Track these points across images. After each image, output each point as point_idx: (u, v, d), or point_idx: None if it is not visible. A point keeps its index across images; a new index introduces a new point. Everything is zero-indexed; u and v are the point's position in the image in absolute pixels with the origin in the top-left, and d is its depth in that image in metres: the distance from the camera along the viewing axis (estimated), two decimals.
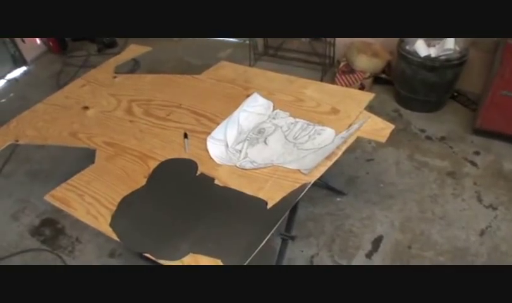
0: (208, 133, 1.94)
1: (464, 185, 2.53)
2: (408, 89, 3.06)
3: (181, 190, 1.73)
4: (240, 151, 1.87)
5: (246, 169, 1.77)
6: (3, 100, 3.71)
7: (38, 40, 4.26)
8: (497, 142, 2.78)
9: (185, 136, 1.97)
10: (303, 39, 3.59)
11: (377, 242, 2.27)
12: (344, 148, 1.79)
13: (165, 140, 1.98)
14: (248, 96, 2.14)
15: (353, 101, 2.07)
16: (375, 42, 3.25)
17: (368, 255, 2.21)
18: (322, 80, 3.39)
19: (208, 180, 1.73)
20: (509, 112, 2.62)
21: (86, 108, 2.30)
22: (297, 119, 2.01)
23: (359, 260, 2.19)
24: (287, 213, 1.65)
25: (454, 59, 2.80)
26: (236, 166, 1.79)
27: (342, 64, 3.32)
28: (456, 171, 2.62)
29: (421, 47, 2.82)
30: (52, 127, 2.21)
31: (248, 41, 3.77)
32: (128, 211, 1.66)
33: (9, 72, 4.04)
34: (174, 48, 4.12)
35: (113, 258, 2.31)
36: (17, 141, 2.19)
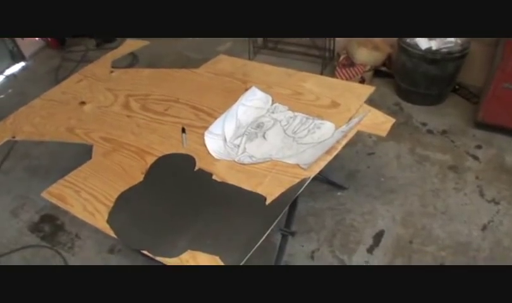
0: (207, 128, 1.92)
1: (466, 179, 2.51)
2: (408, 83, 3.03)
3: (178, 186, 1.71)
4: (238, 146, 1.85)
5: (244, 164, 1.75)
6: (1, 96, 3.69)
7: None
8: (499, 135, 2.76)
9: (183, 130, 1.95)
10: None
11: (378, 237, 2.25)
12: (344, 142, 1.77)
13: (162, 135, 1.96)
14: (246, 90, 2.12)
15: (353, 95, 2.04)
16: None
17: (369, 250, 2.19)
18: (322, 73, 3.36)
19: (206, 176, 1.71)
20: (511, 105, 2.59)
21: (83, 103, 2.28)
22: (296, 113, 1.98)
23: (360, 255, 2.17)
24: (286, 209, 1.63)
25: (456, 52, 2.77)
26: (234, 161, 1.77)
27: (342, 57, 3.29)
28: (458, 165, 2.60)
29: (422, 40, 2.79)
30: (49, 122, 2.19)
31: None
32: (125, 207, 1.64)
33: (7, 67, 4.02)
34: (173, 43, 4.08)
35: (112, 254, 2.30)
36: (14, 137, 2.17)
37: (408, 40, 2.85)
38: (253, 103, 2.06)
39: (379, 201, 2.42)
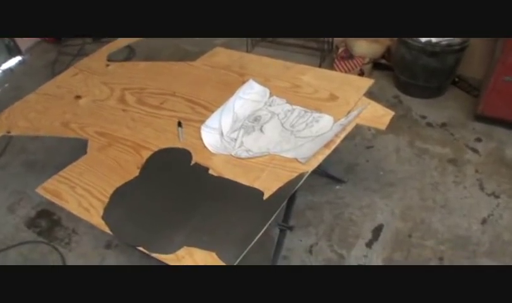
0: (203, 121, 1.89)
1: (465, 172, 2.49)
2: (408, 75, 3.00)
3: (174, 181, 1.69)
4: (235, 140, 1.82)
5: (241, 158, 1.72)
6: None
7: None
8: (499, 128, 2.74)
9: (179, 124, 1.92)
10: None
11: (377, 231, 2.23)
12: (342, 135, 1.75)
13: (158, 129, 1.93)
14: (243, 83, 2.09)
15: (352, 88, 2.01)
16: None
17: (368, 244, 2.18)
18: (320, 66, 3.33)
19: (202, 170, 1.69)
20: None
21: (78, 97, 2.25)
22: (294, 106, 1.96)
23: (359, 249, 2.16)
24: (284, 203, 1.61)
25: (456, 44, 2.75)
26: (231, 155, 1.74)
27: (341, 50, 3.26)
28: (458, 158, 2.58)
29: None
30: (44, 117, 2.16)
31: None
32: (120, 202, 1.61)
33: (3, 62, 3.98)
34: None
35: (109, 249, 2.29)
36: (9, 132, 2.15)
37: None
38: (250, 96, 2.03)
39: (378, 195, 2.41)
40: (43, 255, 2.30)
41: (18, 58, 4.05)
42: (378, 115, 1.86)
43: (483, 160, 2.56)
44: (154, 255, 1.42)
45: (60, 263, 2.24)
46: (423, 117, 2.90)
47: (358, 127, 1.85)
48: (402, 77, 3.06)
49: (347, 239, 2.21)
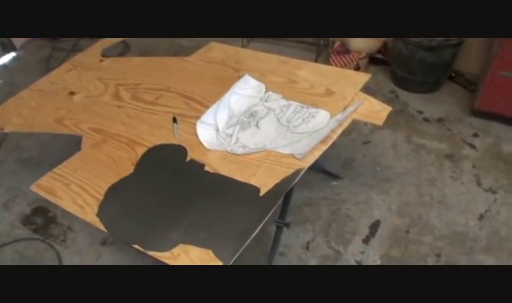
0: (198, 117, 1.87)
1: (462, 168, 2.48)
2: (404, 70, 2.99)
3: (170, 178, 1.67)
4: (231, 136, 1.81)
5: (237, 154, 1.71)
6: None
7: None
8: (496, 124, 2.73)
9: (174, 120, 1.91)
10: None
11: (374, 227, 2.22)
12: (339, 131, 1.73)
13: (153, 125, 1.92)
14: (239, 78, 2.07)
15: (349, 83, 2.00)
16: None
17: (365, 240, 2.17)
18: (316, 61, 3.31)
19: (198, 167, 1.67)
20: (509, 93, 2.56)
21: (72, 93, 2.23)
22: (290, 101, 1.94)
23: (356, 245, 2.15)
24: (281, 200, 1.60)
25: (452, 39, 2.73)
26: (227, 151, 1.73)
27: (337, 44, 3.24)
28: (455, 154, 2.57)
29: None
30: (37, 114, 2.14)
31: None
32: (115, 200, 1.60)
33: None
34: None
35: (105, 246, 2.27)
36: (2, 129, 2.13)
37: None
38: (246, 91, 2.01)
39: (375, 191, 2.40)
40: (38, 252, 2.28)
41: (12, 54, 4.02)
42: (375, 111, 1.85)
43: (480, 155, 2.55)
44: (150, 253, 1.40)
45: (56, 260, 2.23)
46: (420, 112, 2.89)
47: (354, 122, 1.84)
48: (399, 72, 3.04)
49: (344, 235, 2.20)
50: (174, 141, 1.81)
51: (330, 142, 1.69)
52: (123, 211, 1.56)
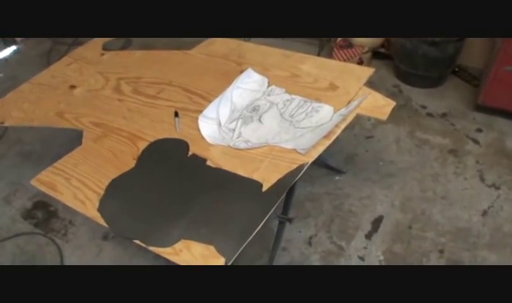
0: (201, 111, 1.86)
1: (466, 163, 2.47)
2: (408, 64, 2.97)
3: (171, 172, 1.66)
4: (233, 130, 1.79)
5: (240, 149, 1.69)
6: None
7: None
8: (499, 119, 2.71)
9: (176, 114, 1.89)
10: None
11: (377, 222, 2.21)
12: (343, 126, 1.71)
13: (155, 119, 1.90)
14: (241, 72, 2.05)
15: (352, 77, 1.98)
16: None
17: (368, 236, 2.16)
18: (319, 55, 3.28)
19: (200, 162, 1.66)
20: None
21: (73, 87, 2.22)
22: (293, 96, 1.92)
23: (358, 241, 2.14)
24: (283, 195, 1.58)
25: None
26: (229, 146, 1.71)
27: (339, 38, 3.22)
28: (458, 149, 2.55)
29: None
30: (38, 107, 2.12)
31: None
32: (116, 194, 1.59)
33: None
34: None
35: (106, 240, 2.26)
36: (2, 123, 2.12)
37: None
38: (248, 85, 2.00)
39: (378, 186, 2.38)
40: (39, 246, 2.28)
41: (13, 47, 3.99)
42: (379, 105, 1.83)
43: (484, 150, 2.54)
44: (151, 248, 1.39)
45: (57, 255, 2.22)
46: (424, 107, 2.87)
47: (357, 117, 1.82)
48: (402, 66, 3.02)
49: (346, 230, 2.19)
50: (176, 136, 1.79)
51: (333, 137, 1.67)
52: (124, 206, 1.55)
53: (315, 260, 2.08)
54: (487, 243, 2.08)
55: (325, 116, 1.79)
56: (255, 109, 1.89)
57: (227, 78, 2.03)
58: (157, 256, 1.41)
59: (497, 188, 2.32)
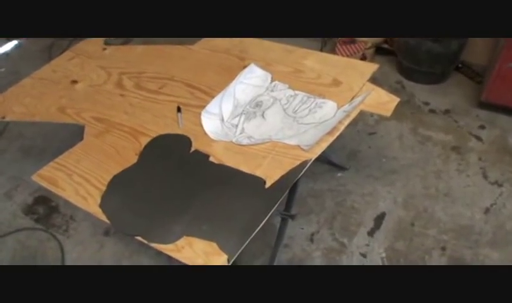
0: (203, 107, 1.85)
1: (469, 160, 2.45)
2: (411, 60, 2.95)
3: (174, 168, 1.65)
4: (236, 126, 1.78)
5: (242, 145, 1.68)
6: None
7: None
8: (502, 116, 2.69)
9: (178, 110, 1.88)
10: None
11: (379, 219, 2.20)
12: (347, 122, 1.70)
13: (157, 115, 1.89)
14: (244, 67, 2.04)
15: (356, 73, 1.96)
16: None
17: (370, 233, 2.15)
18: (321, 50, 3.26)
19: (202, 157, 1.65)
20: None
21: (74, 82, 2.20)
22: (296, 91, 1.91)
23: (361, 238, 2.13)
24: (286, 192, 1.57)
25: None
26: (232, 142, 1.70)
27: None
28: (461, 146, 2.54)
29: None
30: (39, 102, 2.11)
31: None
32: (118, 190, 1.58)
33: None
34: None
35: (108, 236, 2.26)
36: (4, 118, 2.11)
37: None
38: (251, 81, 1.98)
39: (380, 182, 2.37)
40: (40, 242, 2.27)
41: (14, 42, 3.98)
42: (383, 102, 1.82)
43: (487, 147, 2.52)
44: (153, 245, 1.39)
45: (58, 250, 2.22)
46: (427, 104, 2.86)
47: (360, 113, 1.81)
48: (405, 62, 3.00)
49: (349, 227, 2.18)
50: (179, 131, 1.78)
51: (337, 134, 1.66)
52: (126, 202, 1.55)
53: (317, 257, 2.08)
54: (490, 240, 2.07)
55: (328, 112, 1.78)
56: (258, 105, 1.88)
57: (230, 73, 2.01)
58: (159, 253, 1.41)
59: (500, 185, 2.31)
